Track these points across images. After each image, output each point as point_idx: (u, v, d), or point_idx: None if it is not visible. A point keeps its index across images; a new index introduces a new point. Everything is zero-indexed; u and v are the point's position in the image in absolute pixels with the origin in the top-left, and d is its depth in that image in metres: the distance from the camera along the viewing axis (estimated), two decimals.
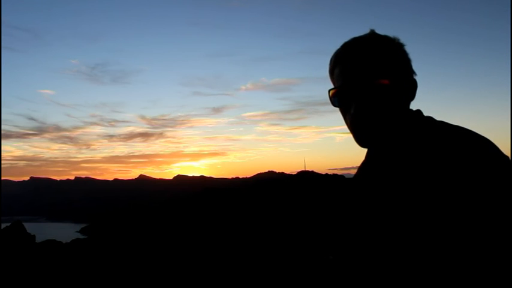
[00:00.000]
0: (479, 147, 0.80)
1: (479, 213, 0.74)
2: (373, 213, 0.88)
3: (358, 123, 0.90)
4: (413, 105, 0.93)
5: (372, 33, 0.94)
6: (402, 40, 0.95)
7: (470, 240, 0.74)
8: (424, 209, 0.79)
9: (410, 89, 0.93)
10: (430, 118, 0.93)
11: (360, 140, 0.92)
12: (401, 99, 0.91)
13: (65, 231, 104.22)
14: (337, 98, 0.94)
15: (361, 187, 0.98)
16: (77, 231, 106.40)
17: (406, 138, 0.89)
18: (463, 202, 0.75)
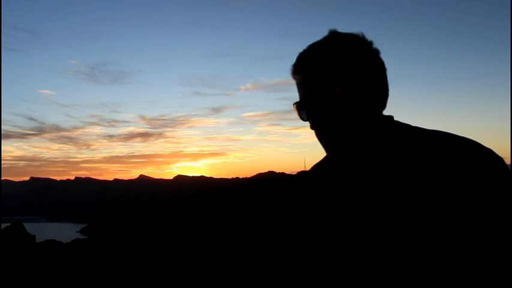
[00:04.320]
0: (462, 148, 0.79)
1: (466, 215, 0.73)
2: (359, 219, 0.85)
3: (319, 134, 0.88)
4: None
5: (328, 36, 0.90)
6: (369, 40, 0.90)
7: (453, 242, 0.74)
8: (414, 212, 0.77)
9: (374, 93, 0.87)
10: (400, 123, 0.91)
11: (328, 151, 0.89)
12: (363, 105, 0.86)
13: (65, 231, 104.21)
14: (301, 112, 0.90)
15: (334, 194, 0.93)
16: (77, 231, 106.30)
17: (377, 143, 0.87)
18: (449, 205, 0.74)
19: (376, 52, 0.90)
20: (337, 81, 0.85)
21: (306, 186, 1.04)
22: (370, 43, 0.89)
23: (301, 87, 0.89)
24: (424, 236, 0.75)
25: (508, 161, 0.75)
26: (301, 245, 1.01)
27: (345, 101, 0.85)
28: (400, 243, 0.78)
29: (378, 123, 0.88)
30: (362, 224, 0.84)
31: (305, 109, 0.88)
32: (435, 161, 0.79)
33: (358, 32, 0.90)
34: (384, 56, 0.90)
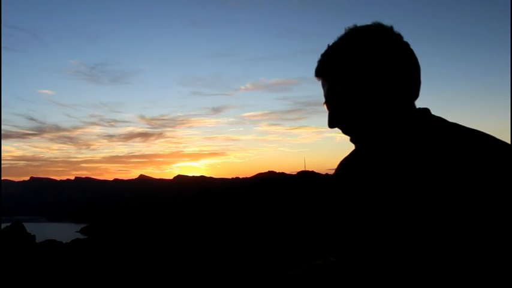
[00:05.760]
0: (500, 154, 0.75)
1: (493, 218, 0.71)
2: (375, 213, 0.85)
3: (341, 130, 0.92)
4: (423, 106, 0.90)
5: (341, 36, 0.91)
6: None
7: (478, 242, 0.72)
8: (427, 209, 0.76)
9: (390, 86, 0.85)
10: (435, 117, 0.89)
11: (355, 145, 0.94)
12: (375, 100, 0.85)
13: (65, 231, 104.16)
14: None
15: (355, 185, 0.95)
16: (77, 231, 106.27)
17: (400, 138, 0.86)
18: (470, 204, 0.73)
19: (395, 39, 0.88)
20: (342, 79, 0.87)
21: (335, 183, 1.05)
22: (387, 31, 0.88)
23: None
24: (448, 237, 0.74)
25: None
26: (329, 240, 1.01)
27: (349, 97, 0.87)
28: (422, 242, 0.76)
29: (398, 118, 0.86)
30: (384, 221, 0.83)
31: (327, 108, 0.93)
32: (464, 163, 0.76)
33: (374, 23, 0.89)
34: None
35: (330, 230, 1.02)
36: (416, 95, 0.89)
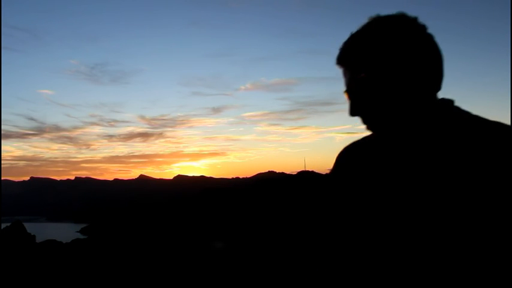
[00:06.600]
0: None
1: None
2: (389, 203, 0.83)
3: (352, 115, 0.90)
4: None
5: (363, 25, 0.90)
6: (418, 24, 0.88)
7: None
8: (446, 201, 0.75)
9: (413, 76, 0.84)
10: (458, 109, 0.88)
11: (369, 128, 0.91)
12: (398, 90, 0.84)
13: (65, 231, 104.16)
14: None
15: (367, 174, 0.91)
16: (77, 231, 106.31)
17: (422, 127, 0.84)
18: (499, 202, 0.71)
19: (419, 30, 0.87)
20: (364, 67, 0.86)
21: (340, 171, 1.01)
22: (412, 21, 0.88)
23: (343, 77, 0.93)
24: (473, 230, 0.72)
25: None
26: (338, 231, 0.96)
27: (371, 86, 0.86)
28: (446, 235, 0.74)
29: (420, 107, 0.85)
30: (405, 211, 0.80)
31: (348, 97, 0.91)
32: (488, 154, 0.74)
33: (398, 13, 0.89)
34: None
35: (321, 228, 1.00)
36: (439, 86, 0.88)
